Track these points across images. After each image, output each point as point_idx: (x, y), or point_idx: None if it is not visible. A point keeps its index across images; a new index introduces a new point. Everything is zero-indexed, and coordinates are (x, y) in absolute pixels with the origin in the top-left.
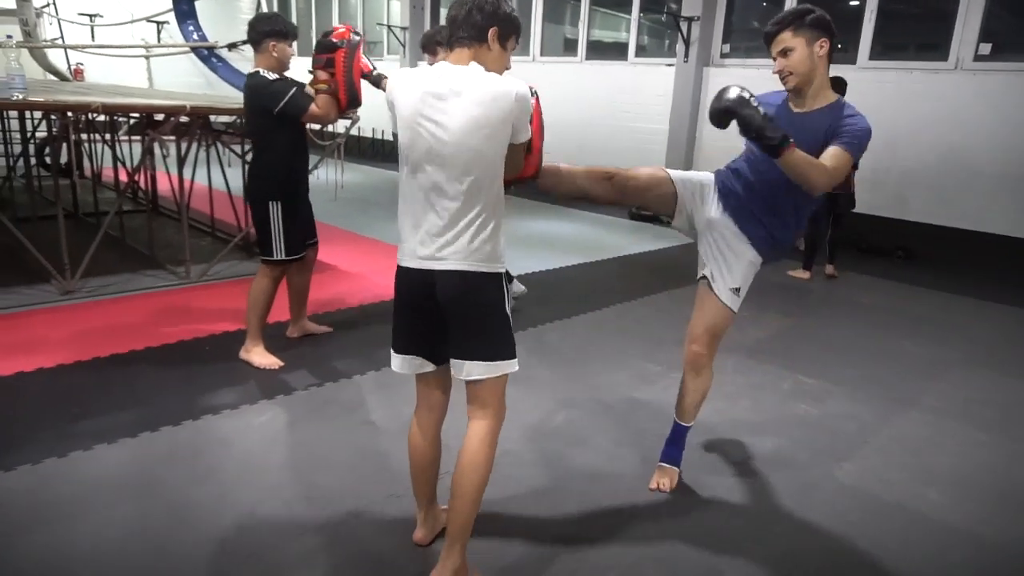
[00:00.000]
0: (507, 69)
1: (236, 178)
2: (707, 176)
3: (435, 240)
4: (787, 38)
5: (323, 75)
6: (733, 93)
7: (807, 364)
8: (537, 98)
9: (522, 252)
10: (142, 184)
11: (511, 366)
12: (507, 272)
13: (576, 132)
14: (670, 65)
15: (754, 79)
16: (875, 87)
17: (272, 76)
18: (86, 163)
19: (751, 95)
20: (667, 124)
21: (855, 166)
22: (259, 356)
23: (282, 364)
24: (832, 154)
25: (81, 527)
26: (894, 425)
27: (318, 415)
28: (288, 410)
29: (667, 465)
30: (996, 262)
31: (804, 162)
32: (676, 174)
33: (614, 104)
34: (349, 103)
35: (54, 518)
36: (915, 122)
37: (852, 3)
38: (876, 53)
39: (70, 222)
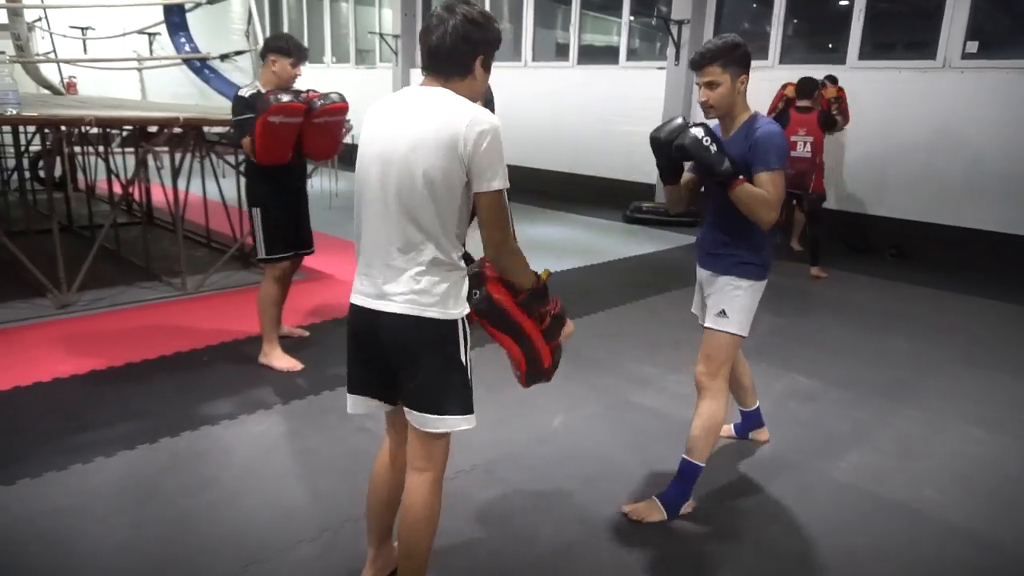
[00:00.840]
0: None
1: (230, 188)
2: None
3: (375, 278)
4: (715, 72)
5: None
6: (690, 136)
7: (801, 363)
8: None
9: None
10: (137, 196)
11: (465, 422)
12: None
13: (569, 136)
14: (661, 68)
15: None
16: (864, 86)
17: (248, 92)
18: (80, 176)
19: (705, 134)
20: None
21: (820, 165)
22: (279, 360)
23: (303, 366)
24: (764, 181)
25: (82, 538)
26: (890, 424)
27: (315, 424)
28: (285, 419)
29: (656, 501)
30: (989, 259)
31: (749, 197)
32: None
33: (606, 108)
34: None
35: (55, 530)
36: (905, 121)
37: (841, 3)
38: (865, 53)
39: (65, 235)
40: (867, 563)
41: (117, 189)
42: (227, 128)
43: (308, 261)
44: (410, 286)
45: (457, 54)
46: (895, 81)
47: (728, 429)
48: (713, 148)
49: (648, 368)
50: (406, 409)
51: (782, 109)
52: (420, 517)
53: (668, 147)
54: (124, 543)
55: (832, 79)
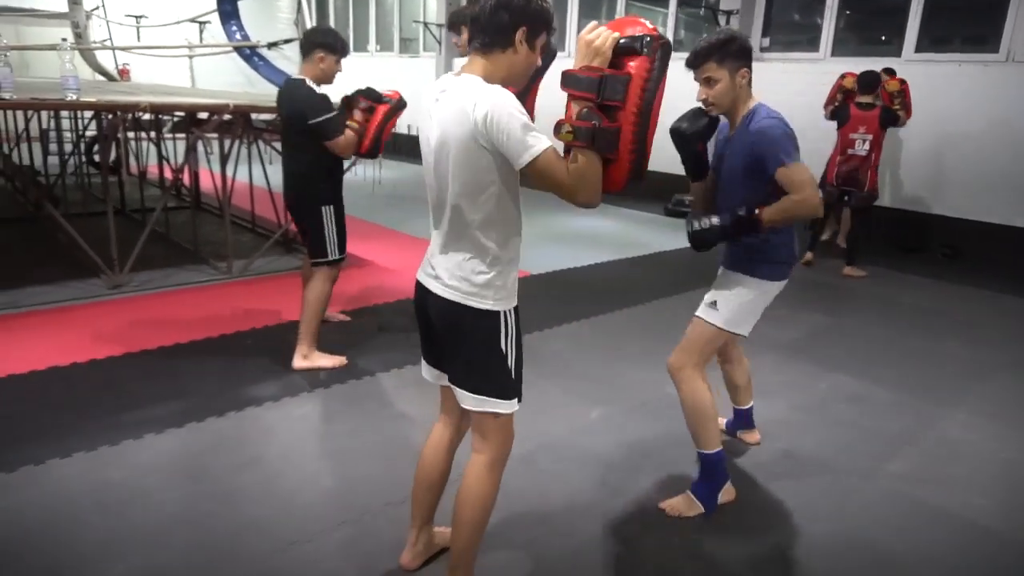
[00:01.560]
0: (536, 65)
1: (276, 175)
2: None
3: (433, 258)
4: (711, 68)
5: (359, 116)
6: (689, 230)
7: (847, 363)
8: (641, 61)
9: (558, 248)
10: (186, 181)
11: (502, 406)
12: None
13: None
14: None
15: (794, 73)
16: (921, 80)
17: (318, 89)
18: (133, 161)
19: (701, 218)
20: None
21: (875, 163)
22: (324, 359)
23: (347, 360)
24: (785, 181)
25: (134, 511)
26: (937, 428)
27: (356, 408)
28: (327, 403)
29: (690, 495)
30: None
31: (781, 213)
32: None
33: None
34: (368, 152)
35: (109, 502)
36: (962, 116)
37: None
38: (922, 46)
39: (118, 218)
40: (912, 569)
41: (168, 174)
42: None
43: (349, 247)
44: (453, 272)
45: (496, 21)
46: (954, 75)
47: (719, 423)
48: (711, 225)
49: None
50: (454, 387)
51: (841, 103)
52: (468, 496)
53: (693, 140)
54: (175, 516)
55: (890, 71)
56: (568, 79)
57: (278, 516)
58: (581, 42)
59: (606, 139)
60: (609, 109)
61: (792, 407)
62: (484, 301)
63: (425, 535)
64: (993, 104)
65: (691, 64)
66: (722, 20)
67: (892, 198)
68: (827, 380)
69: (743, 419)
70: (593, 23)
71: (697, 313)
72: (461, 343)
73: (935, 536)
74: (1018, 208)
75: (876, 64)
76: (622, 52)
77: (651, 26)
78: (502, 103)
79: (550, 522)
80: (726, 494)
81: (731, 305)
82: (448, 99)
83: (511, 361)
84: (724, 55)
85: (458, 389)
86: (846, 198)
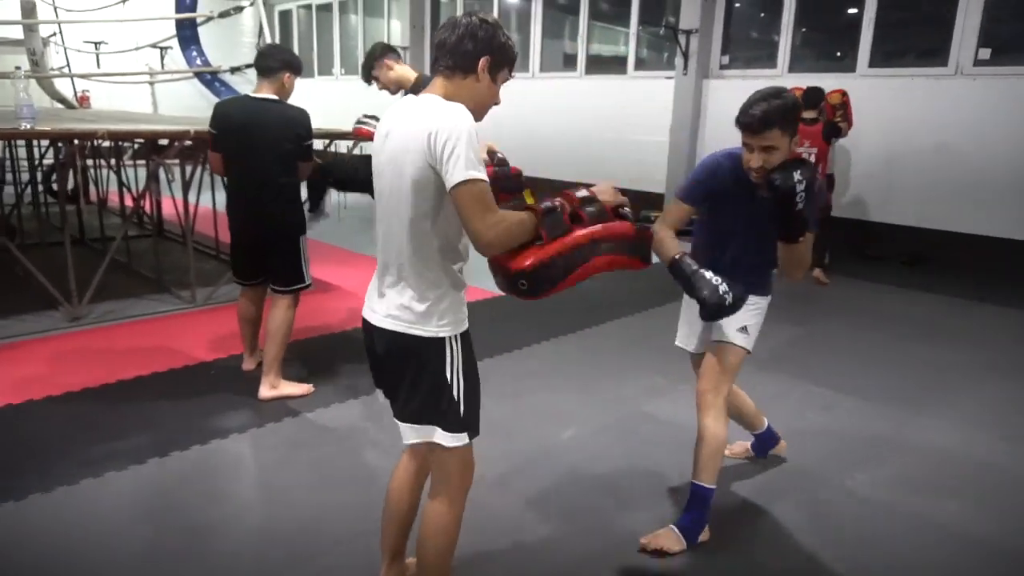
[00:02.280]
0: (496, 103)
1: None
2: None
3: (376, 289)
4: (775, 137)
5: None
6: (788, 181)
7: (819, 373)
8: (630, 228)
9: None
10: (147, 208)
11: (447, 439)
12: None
13: (577, 146)
14: (669, 78)
15: (753, 90)
16: (875, 94)
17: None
18: (92, 189)
19: (806, 177)
20: (668, 136)
21: (824, 176)
22: (292, 387)
23: (313, 389)
24: (806, 247)
25: (95, 552)
26: (910, 433)
27: (325, 437)
28: (296, 432)
29: (674, 530)
30: (1004, 266)
31: (803, 252)
32: (684, 343)
33: (615, 118)
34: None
35: (68, 544)
36: (916, 128)
37: (851, 11)
38: (875, 61)
39: (77, 248)
40: None
41: (128, 202)
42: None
43: (317, 273)
44: (396, 301)
45: (461, 48)
46: (906, 88)
47: (746, 450)
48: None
49: (659, 379)
50: (396, 419)
51: None
52: (428, 533)
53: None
54: (138, 555)
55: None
56: (582, 200)
57: (248, 551)
58: (606, 186)
59: (552, 224)
60: (575, 219)
61: (768, 418)
62: (427, 328)
63: (396, 568)
64: (944, 116)
65: (751, 129)
66: (682, 39)
67: (852, 209)
68: (800, 390)
69: (770, 439)
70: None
71: (723, 339)
72: (405, 373)
73: (911, 542)
74: (971, 216)
75: (832, 79)
76: (613, 211)
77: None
78: (457, 120)
79: (525, 547)
80: (704, 533)
81: (756, 327)
82: (405, 120)
83: (457, 391)
84: (787, 122)
85: (401, 424)
86: None
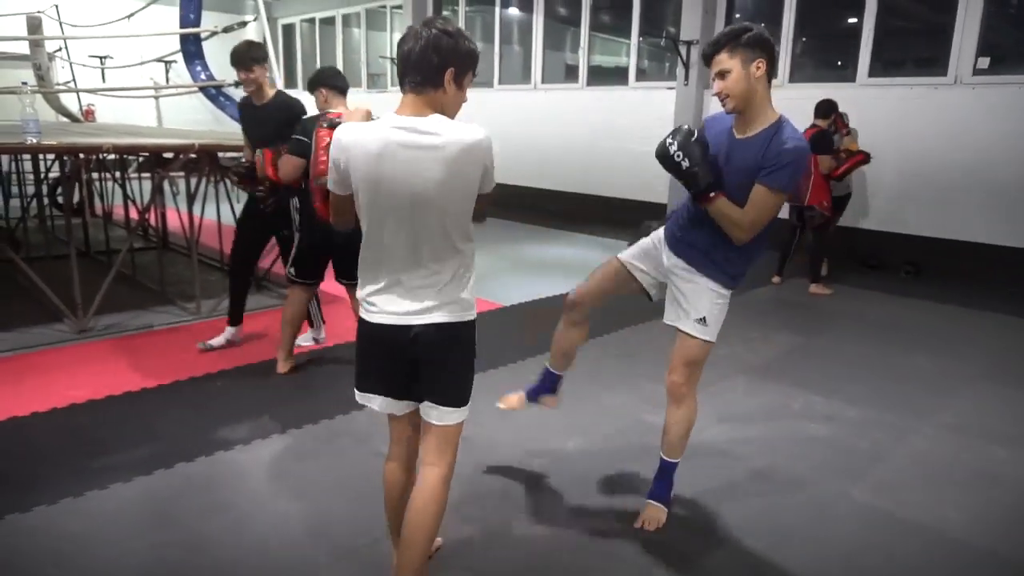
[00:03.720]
0: (464, 102)
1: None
2: (658, 233)
3: (417, 293)
4: (724, 59)
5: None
6: (661, 145)
7: (818, 382)
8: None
9: (524, 277)
10: (152, 221)
11: (467, 413)
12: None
13: (580, 157)
14: (671, 88)
15: None
16: (876, 103)
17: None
18: (97, 202)
19: (680, 140)
20: None
21: (819, 178)
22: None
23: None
24: (754, 200)
25: (100, 563)
26: (909, 442)
27: (329, 447)
28: (300, 443)
29: (654, 503)
30: (1006, 274)
31: (723, 215)
32: (625, 253)
33: (616, 128)
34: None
35: (73, 555)
36: (916, 137)
37: (850, 21)
38: (876, 70)
39: (82, 261)
40: None
41: (133, 215)
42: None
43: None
44: (447, 296)
45: (426, 63)
46: (906, 98)
47: (520, 399)
48: (685, 163)
49: (661, 387)
50: (429, 405)
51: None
52: (425, 509)
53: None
54: (143, 567)
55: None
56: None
57: (251, 561)
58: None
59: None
60: None
61: (764, 428)
62: (470, 313)
63: None
64: (944, 125)
65: (706, 59)
66: (682, 49)
67: (853, 217)
68: (800, 400)
69: (548, 383)
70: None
71: (687, 331)
72: (452, 361)
73: (910, 551)
74: (971, 224)
75: (832, 89)
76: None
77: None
78: (490, 137)
79: (528, 555)
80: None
81: (717, 321)
82: (448, 135)
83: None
84: (735, 44)
85: (440, 407)
86: (800, 220)
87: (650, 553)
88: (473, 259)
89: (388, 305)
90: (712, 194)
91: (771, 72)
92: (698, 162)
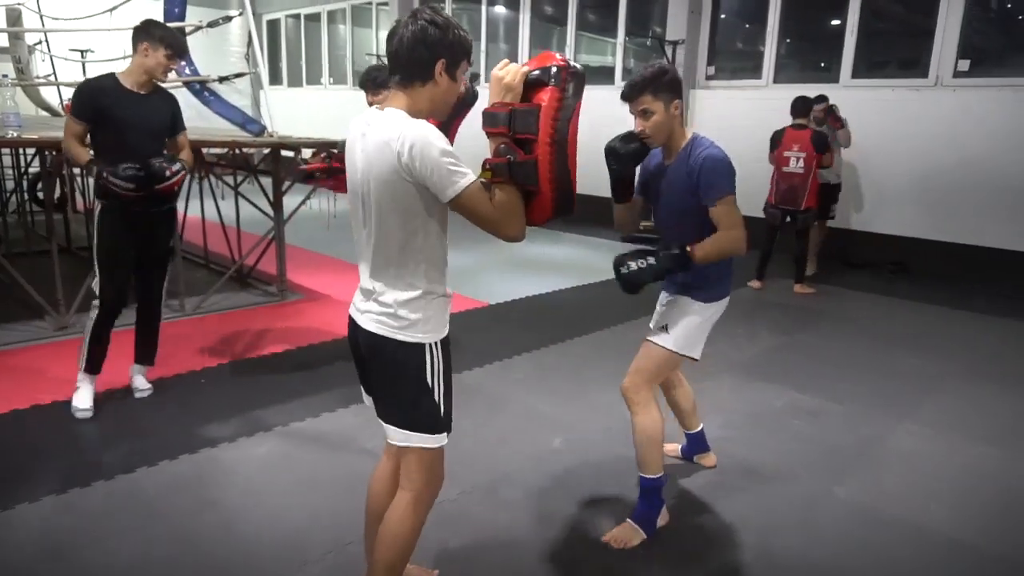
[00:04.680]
0: (459, 93)
1: (229, 209)
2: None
3: (361, 293)
4: (647, 101)
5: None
6: (625, 271)
7: (803, 380)
8: (552, 92)
9: (517, 277)
10: None
11: (429, 441)
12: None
13: None
14: None
15: (738, 100)
16: (858, 104)
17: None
18: (79, 197)
19: (637, 258)
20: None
21: (814, 183)
22: None
23: None
24: (718, 215)
25: (83, 563)
26: (893, 439)
27: (315, 445)
28: (286, 441)
29: (630, 522)
30: (988, 275)
31: (715, 250)
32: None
33: (602, 128)
34: None
35: (57, 554)
36: (898, 138)
37: (834, 22)
38: (858, 71)
39: (64, 257)
40: None
41: None
42: (225, 150)
43: (305, 281)
44: (380, 306)
45: (415, 56)
46: (888, 99)
47: (675, 449)
48: (648, 264)
49: None
50: (379, 418)
51: (778, 130)
52: (389, 532)
53: (625, 160)
54: (131, 562)
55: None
56: (485, 117)
57: (239, 559)
58: (493, 79)
59: (523, 172)
60: (525, 142)
61: (750, 425)
62: (409, 334)
63: None
64: (925, 126)
65: (626, 97)
66: (668, 50)
67: (837, 217)
68: (784, 397)
69: (697, 443)
70: (504, 60)
71: (648, 337)
72: (388, 377)
73: (896, 548)
74: (952, 224)
75: (816, 89)
76: (533, 85)
77: (561, 58)
78: (426, 137)
79: (515, 553)
80: (661, 518)
81: (680, 328)
82: (372, 133)
83: (438, 395)
84: (658, 87)
85: (385, 425)
86: (788, 219)
87: (637, 550)
88: (421, 279)
89: (355, 295)
90: (689, 249)
91: (682, 108)
92: (658, 260)
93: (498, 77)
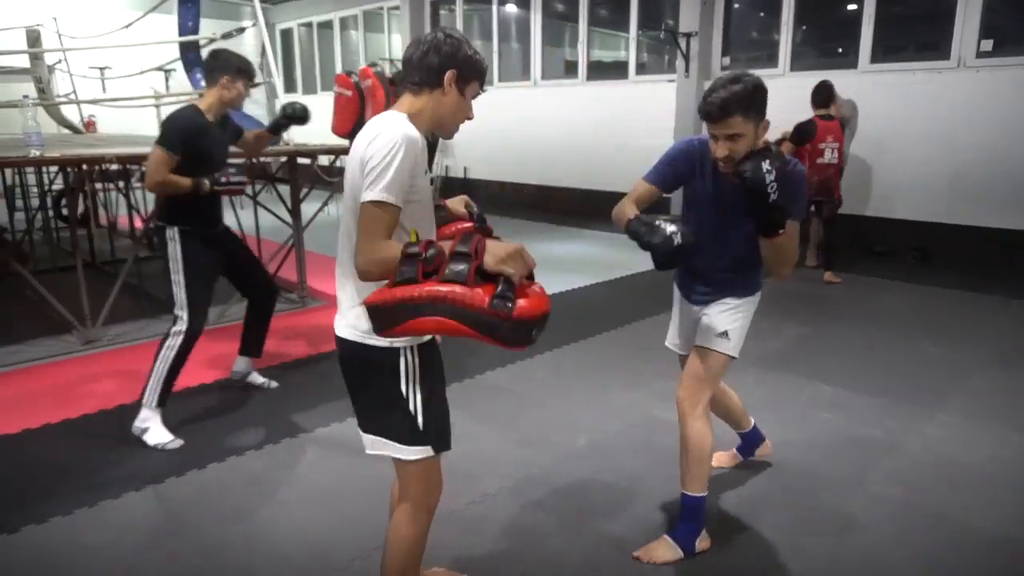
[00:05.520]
0: (468, 119)
1: (248, 219)
2: (675, 307)
3: (338, 298)
4: (738, 123)
5: None
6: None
7: (828, 371)
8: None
9: (536, 275)
10: None
11: (403, 452)
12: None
13: (581, 153)
14: (671, 81)
15: None
16: (878, 90)
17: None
18: (102, 212)
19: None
20: (672, 139)
21: (840, 171)
22: None
23: None
24: (791, 232)
25: (118, 573)
26: (922, 430)
27: (340, 451)
28: (311, 448)
29: (667, 538)
30: (1014, 258)
31: (789, 246)
32: (671, 343)
33: (618, 123)
34: None
35: (91, 566)
36: (920, 122)
37: (850, 7)
38: (877, 56)
39: (89, 271)
40: (906, 572)
41: (138, 224)
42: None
43: (326, 287)
44: (352, 312)
45: (426, 62)
46: (909, 83)
47: (733, 456)
48: (774, 195)
49: (671, 383)
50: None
51: (806, 121)
52: (391, 542)
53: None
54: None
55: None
56: (460, 251)
57: (267, 567)
58: (516, 252)
59: (407, 271)
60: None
61: (776, 419)
62: (380, 339)
63: None
64: (948, 109)
65: (712, 117)
66: (682, 42)
67: (859, 204)
68: (809, 389)
69: (754, 439)
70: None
71: (705, 344)
72: (359, 384)
73: (926, 538)
74: (980, 209)
75: (834, 76)
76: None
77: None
78: (393, 136)
79: (540, 554)
80: (703, 541)
81: (739, 331)
82: (362, 132)
83: (414, 404)
84: (749, 107)
85: (363, 435)
86: (812, 208)
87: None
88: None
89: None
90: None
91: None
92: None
93: (517, 256)
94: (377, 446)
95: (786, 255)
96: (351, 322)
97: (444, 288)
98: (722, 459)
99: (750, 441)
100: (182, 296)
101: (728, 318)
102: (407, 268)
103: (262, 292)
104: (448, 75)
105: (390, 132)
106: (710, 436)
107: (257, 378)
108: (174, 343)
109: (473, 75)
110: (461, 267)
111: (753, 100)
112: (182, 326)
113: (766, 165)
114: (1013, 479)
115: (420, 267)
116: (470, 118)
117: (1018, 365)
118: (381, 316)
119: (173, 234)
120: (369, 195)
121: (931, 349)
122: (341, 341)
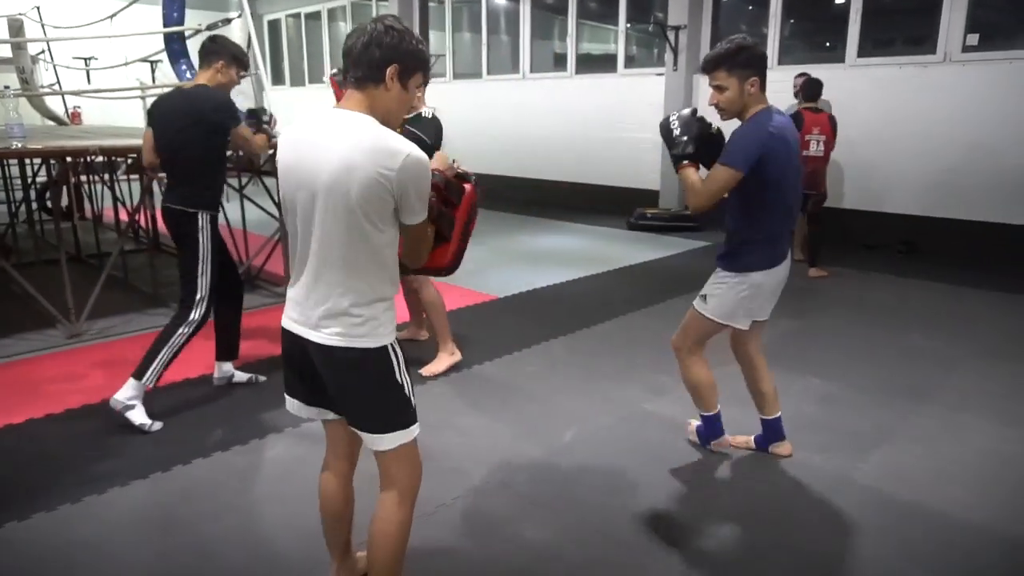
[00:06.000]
0: (414, 110)
1: (234, 211)
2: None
3: (307, 303)
4: (721, 76)
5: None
6: (665, 118)
7: (817, 365)
8: (472, 186)
9: (524, 269)
10: (142, 223)
11: (410, 434)
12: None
13: (570, 146)
14: (660, 74)
15: None
16: (865, 83)
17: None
18: (87, 205)
19: (683, 115)
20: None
21: (826, 159)
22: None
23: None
24: (713, 171)
25: (99, 570)
26: (912, 423)
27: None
28: (299, 442)
29: (692, 425)
30: (1000, 252)
31: (687, 182)
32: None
33: (607, 116)
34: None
35: (76, 562)
36: (908, 116)
37: (838, 2)
38: (864, 50)
39: (73, 265)
40: (895, 567)
41: (123, 216)
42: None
43: None
44: (337, 316)
45: (367, 57)
46: (896, 78)
47: (748, 441)
48: (677, 131)
49: (662, 376)
50: (354, 427)
51: (794, 112)
52: (381, 532)
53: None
54: (148, 571)
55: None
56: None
57: (256, 563)
58: (438, 156)
59: (448, 221)
60: (448, 204)
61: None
62: (374, 339)
63: (347, 565)
64: (934, 103)
65: (704, 70)
66: (671, 35)
67: (847, 198)
68: (799, 383)
69: (774, 431)
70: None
71: (693, 302)
72: (357, 387)
73: (917, 534)
74: (966, 202)
75: (822, 70)
76: (460, 176)
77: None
78: (423, 166)
79: (532, 548)
80: (720, 443)
81: (716, 299)
82: (343, 134)
83: (408, 388)
84: (733, 64)
85: (367, 434)
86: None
87: (653, 539)
88: (390, 283)
89: (291, 307)
90: (685, 162)
91: (763, 84)
92: (689, 134)
93: (443, 157)
94: (392, 441)
95: (685, 187)
96: (339, 328)
97: (466, 198)
98: (737, 441)
99: (770, 432)
100: (205, 285)
101: (711, 285)
102: (446, 223)
103: (236, 285)
104: (390, 70)
105: (420, 154)
106: (701, 372)
107: (241, 376)
108: (187, 331)
109: (416, 66)
110: (454, 188)
111: (736, 58)
112: (198, 315)
113: (673, 115)
114: (1003, 472)
115: (440, 205)
116: (415, 108)
117: (1007, 357)
118: (458, 260)
119: (204, 222)
120: (415, 218)
121: (921, 342)
122: (321, 348)
